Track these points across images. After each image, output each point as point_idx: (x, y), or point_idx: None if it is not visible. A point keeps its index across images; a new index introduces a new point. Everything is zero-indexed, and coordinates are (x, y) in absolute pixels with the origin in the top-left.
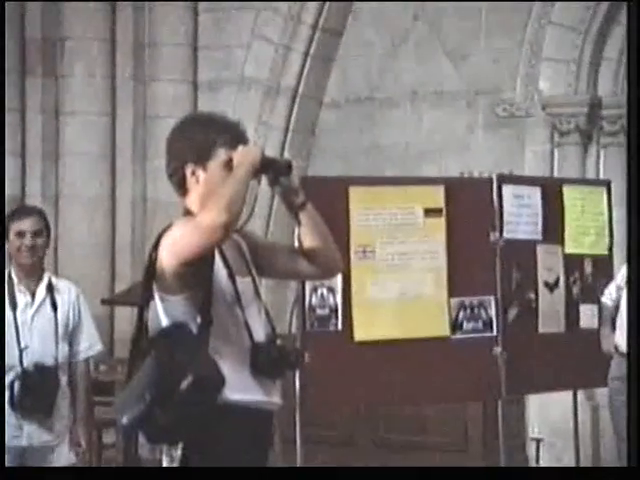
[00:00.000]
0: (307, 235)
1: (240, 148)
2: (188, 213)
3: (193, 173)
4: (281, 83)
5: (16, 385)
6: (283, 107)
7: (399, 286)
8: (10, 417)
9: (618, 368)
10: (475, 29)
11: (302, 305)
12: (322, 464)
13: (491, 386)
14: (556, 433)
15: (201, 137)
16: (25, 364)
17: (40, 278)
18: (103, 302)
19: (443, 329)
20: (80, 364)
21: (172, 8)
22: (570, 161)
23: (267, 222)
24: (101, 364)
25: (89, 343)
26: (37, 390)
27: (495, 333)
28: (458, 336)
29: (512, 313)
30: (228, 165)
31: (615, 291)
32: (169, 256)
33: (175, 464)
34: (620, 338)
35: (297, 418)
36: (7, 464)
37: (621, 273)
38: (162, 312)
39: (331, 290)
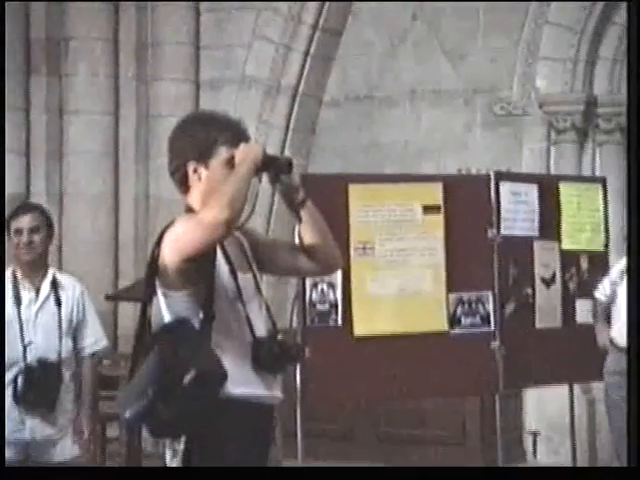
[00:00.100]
0: (307, 232)
1: (242, 146)
2: (190, 210)
3: (195, 171)
4: (281, 82)
5: (19, 380)
6: (283, 106)
7: (398, 282)
8: (13, 411)
9: (614, 362)
10: (473, 29)
11: (302, 301)
12: (323, 457)
13: (489, 380)
14: (553, 427)
15: (203, 135)
16: (29, 359)
17: (44, 275)
18: (107, 298)
19: (441, 324)
20: (86, 359)
21: (174, 8)
22: (566, 158)
23: (268, 219)
24: (105, 359)
25: (94, 339)
26: (40, 385)
27: (493, 328)
28: (456, 331)
29: (509, 308)
30: (229, 163)
31: (609, 287)
32: (172, 252)
33: (178, 458)
34: (617, 333)
35: (298, 412)
36: (11, 457)
37: (616, 269)
38: (165, 308)
39: (331, 286)
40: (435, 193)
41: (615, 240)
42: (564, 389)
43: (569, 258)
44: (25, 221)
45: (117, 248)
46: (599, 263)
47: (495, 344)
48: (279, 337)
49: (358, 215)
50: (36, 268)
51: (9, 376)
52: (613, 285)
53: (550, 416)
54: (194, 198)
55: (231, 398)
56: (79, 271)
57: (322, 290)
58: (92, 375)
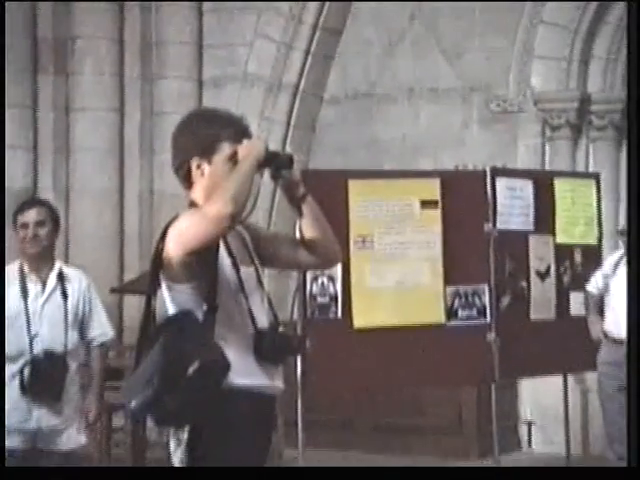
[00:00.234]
0: (308, 226)
1: (245, 142)
2: (193, 205)
3: (198, 166)
4: (283, 80)
5: (26, 371)
6: (285, 103)
7: (397, 275)
8: (20, 401)
9: (607, 353)
10: (470, 28)
11: (303, 293)
12: (323, 446)
13: (485, 371)
14: (547, 416)
15: (206, 132)
16: (35, 351)
17: (51, 268)
18: (112, 291)
19: (439, 316)
20: (95, 349)
21: (178, 8)
22: (561, 155)
23: (269, 214)
24: (110, 350)
25: (102, 330)
26: (46, 376)
27: (489, 320)
28: (453, 323)
29: (505, 301)
30: (232, 158)
31: (602, 280)
32: (176, 246)
33: (182, 447)
34: (611, 324)
35: (299, 402)
36: (18, 446)
37: (608, 262)
38: (169, 300)
39: (331, 279)
40: (433, 188)
41: (608, 234)
42: (558, 379)
43: (563, 252)
44: (31, 215)
45: (122, 242)
46: (592, 256)
47: (491, 336)
48: (280, 329)
49: (357, 210)
50: (42, 261)
51: (16, 367)
52: (606, 278)
53: (545, 406)
54: (197, 193)
55: (234, 388)
56: (85, 265)
57: (322, 283)
58: (101, 365)
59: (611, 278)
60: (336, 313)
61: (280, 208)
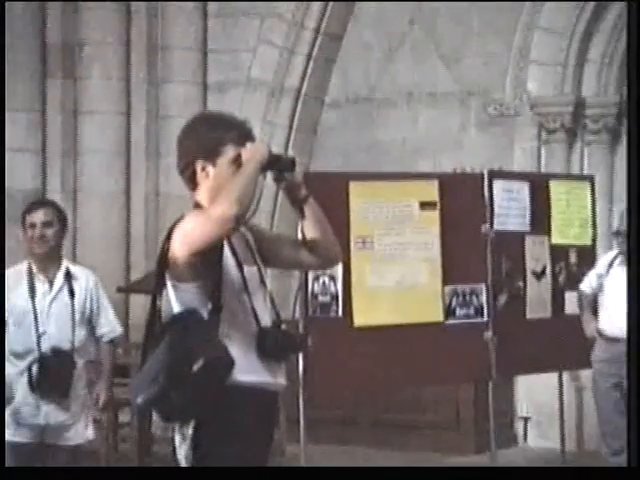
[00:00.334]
0: (309, 227)
1: (249, 145)
2: (198, 206)
3: (203, 169)
4: (285, 84)
5: (34, 368)
6: (287, 107)
7: (396, 275)
8: (29, 398)
9: (601, 351)
10: (467, 34)
11: (305, 292)
12: (324, 442)
13: (482, 368)
14: (542, 412)
15: (210, 135)
16: (43, 348)
17: (59, 267)
18: (119, 290)
19: (437, 315)
20: (105, 345)
21: (183, 14)
22: (556, 157)
23: (272, 215)
24: (118, 347)
25: (110, 327)
26: (54, 373)
27: (486, 319)
28: (451, 322)
29: (502, 300)
30: (236, 161)
31: (595, 279)
32: (182, 246)
33: (187, 442)
34: (605, 323)
35: (301, 398)
36: (27, 440)
37: (602, 262)
38: (174, 299)
39: (332, 278)
40: (431, 190)
41: (602, 235)
42: (553, 377)
43: (558, 252)
44: (38, 216)
45: (128, 242)
46: (587, 257)
47: (488, 334)
48: (283, 327)
49: (358, 211)
50: (50, 261)
51: (24, 364)
52: (599, 278)
53: (540, 402)
54: (202, 194)
55: (238, 385)
56: (92, 265)
57: (323, 282)
58: (111, 359)
59: (605, 278)
60: (337, 312)
61: (282, 210)
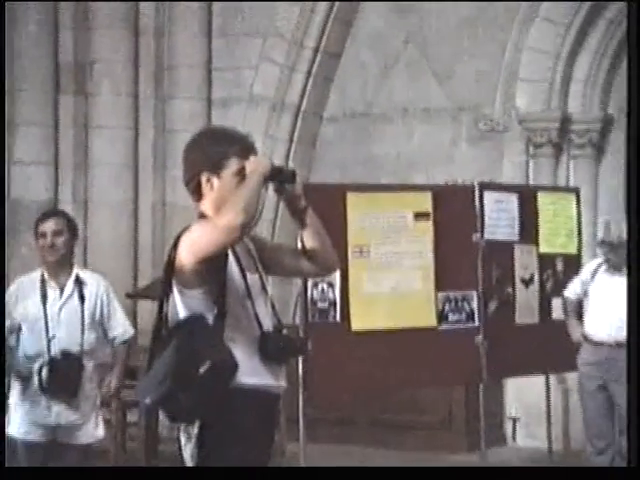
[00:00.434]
0: (308, 237)
1: (252, 158)
2: (203, 216)
3: (208, 180)
4: (285, 100)
5: (44, 371)
6: (287, 122)
7: (391, 282)
8: (41, 399)
9: (588, 355)
10: (459, 53)
11: (304, 299)
12: (323, 441)
13: (473, 371)
14: (531, 413)
15: (215, 149)
16: (53, 352)
17: (69, 274)
18: (127, 296)
19: (431, 320)
20: (119, 347)
21: (188, 34)
22: (543, 170)
23: (273, 224)
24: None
25: (123, 329)
26: (63, 375)
27: (477, 324)
28: (444, 327)
29: (492, 306)
30: (239, 173)
31: (580, 286)
32: (188, 254)
33: (192, 441)
34: (590, 328)
35: (300, 400)
36: (40, 439)
37: (586, 269)
38: (181, 304)
39: (330, 285)
40: (425, 201)
41: (587, 244)
42: (541, 379)
43: (546, 260)
44: (48, 225)
45: (136, 250)
46: (573, 265)
47: (479, 338)
48: (284, 332)
49: (355, 221)
50: (61, 268)
51: (35, 367)
52: (584, 285)
53: (528, 404)
54: (207, 205)
55: (241, 387)
56: (102, 271)
57: (322, 289)
58: (125, 356)
59: (589, 285)
60: (335, 317)
61: (283, 219)
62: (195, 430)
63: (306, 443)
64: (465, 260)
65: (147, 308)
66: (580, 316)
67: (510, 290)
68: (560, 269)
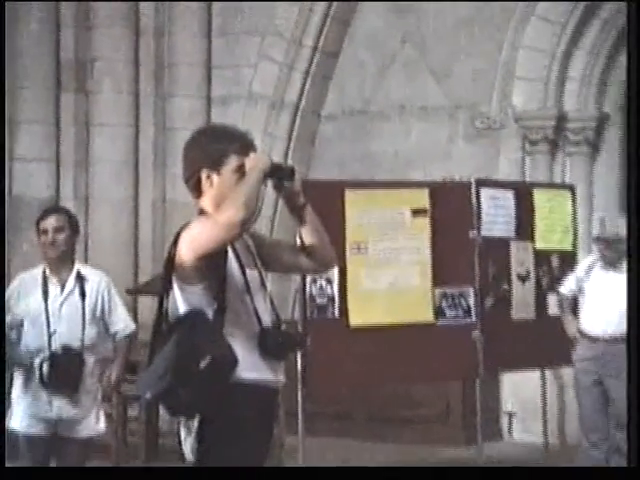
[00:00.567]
0: (306, 233)
1: (252, 155)
2: (202, 213)
3: (207, 177)
4: (284, 99)
5: (45, 365)
6: (286, 120)
7: (389, 278)
8: (42, 393)
9: (583, 350)
10: (456, 52)
11: (303, 295)
12: (321, 435)
13: (470, 366)
14: (526, 408)
15: (214, 146)
16: (53, 347)
17: (71, 270)
18: (128, 292)
19: (428, 316)
20: (121, 341)
21: (188, 33)
22: (539, 167)
23: (272, 220)
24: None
25: (124, 324)
26: (64, 370)
27: (474, 319)
28: (441, 322)
29: (489, 302)
30: (238, 170)
31: (575, 282)
32: (189, 251)
33: (192, 435)
34: (586, 324)
35: (299, 394)
36: (42, 433)
37: (581, 266)
38: (181, 300)
39: (329, 281)
40: (422, 198)
41: (582, 241)
42: (537, 374)
43: (542, 257)
44: (50, 222)
45: (137, 247)
46: (568, 261)
47: (476, 334)
48: (283, 327)
49: (353, 217)
50: (62, 265)
51: (36, 362)
52: (579, 281)
53: (524, 398)
54: (206, 202)
55: (241, 382)
56: (103, 268)
57: (321, 285)
58: (126, 350)
59: (585, 281)
60: (333, 313)
61: (282, 215)
62: (195, 424)
63: (305, 436)
64: (462, 256)
65: (147, 304)
66: (575, 312)
67: (506, 286)
68: (556, 265)
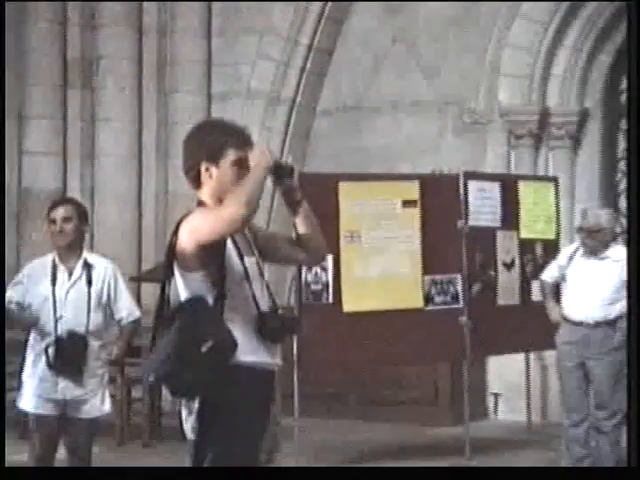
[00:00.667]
0: (301, 225)
1: (257, 152)
2: (201, 204)
3: (207, 170)
4: (281, 94)
5: (50, 349)
6: (283, 115)
7: (381, 266)
8: (48, 375)
9: (566, 334)
10: (444, 50)
11: (299, 281)
12: (316, 415)
13: (458, 349)
14: (511, 389)
15: (214, 140)
16: (59, 332)
17: (79, 258)
18: (131, 279)
19: (418, 302)
20: (126, 326)
21: (190, 32)
22: (524, 160)
23: (269, 214)
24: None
25: (129, 311)
26: (68, 353)
27: (461, 305)
28: (430, 308)
29: (476, 288)
30: (236, 163)
31: (557, 270)
32: (190, 240)
33: (193, 415)
34: (569, 309)
35: (295, 376)
36: (50, 412)
37: (563, 254)
38: (182, 287)
39: (323, 269)
40: (413, 190)
41: (565, 230)
42: (521, 357)
43: (526, 245)
44: (58, 212)
45: (140, 237)
46: (551, 249)
47: (463, 319)
48: (280, 312)
49: (347, 208)
50: (70, 253)
51: (42, 345)
52: (561, 269)
53: (509, 380)
54: (205, 193)
55: (240, 364)
56: (108, 256)
57: (316, 272)
58: (131, 333)
59: (566, 269)
60: (328, 299)
61: (278, 210)
62: (196, 405)
63: (300, 417)
64: (450, 245)
65: (150, 291)
66: (558, 298)
67: (493, 273)
68: (540, 253)
